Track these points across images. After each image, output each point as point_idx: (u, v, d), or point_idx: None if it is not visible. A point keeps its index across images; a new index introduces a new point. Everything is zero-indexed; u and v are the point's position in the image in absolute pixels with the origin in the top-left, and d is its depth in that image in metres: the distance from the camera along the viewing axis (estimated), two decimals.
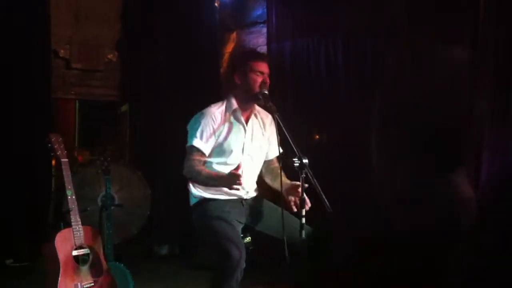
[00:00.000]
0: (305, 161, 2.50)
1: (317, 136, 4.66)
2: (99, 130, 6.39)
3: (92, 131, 6.47)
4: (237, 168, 2.68)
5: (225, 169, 2.88)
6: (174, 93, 5.36)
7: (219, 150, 2.92)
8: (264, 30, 5.13)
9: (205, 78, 5.39)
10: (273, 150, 3.10)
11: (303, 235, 2.50)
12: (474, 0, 3.67)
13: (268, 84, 2.91)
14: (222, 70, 5.61)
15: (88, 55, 5.46)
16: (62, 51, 5.36)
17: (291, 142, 2.61)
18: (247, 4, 5.39)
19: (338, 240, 3.71)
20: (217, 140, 2.90)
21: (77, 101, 6.27)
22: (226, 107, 2.95)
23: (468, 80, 3.69)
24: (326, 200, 2.44)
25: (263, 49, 5.18)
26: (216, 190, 2.91)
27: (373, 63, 4.20)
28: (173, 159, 5.13)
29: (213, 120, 2.89)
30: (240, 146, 2.96)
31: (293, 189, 2.80)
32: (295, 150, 2.56)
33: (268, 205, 3.04)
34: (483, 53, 3.61)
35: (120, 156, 5.89)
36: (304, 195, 2.59)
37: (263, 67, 2.92)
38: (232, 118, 2.95)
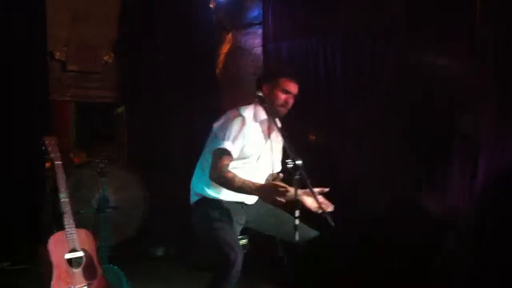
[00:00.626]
0: (299, 162, 2.48)
1: (315, 137, 4.63)
2: (96, 132, 6.38)
3: (88, 133, 6.45)
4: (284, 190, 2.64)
5: (240, 174, 2.87)
6: (172, 94, 5.36)
7: (239, 155, 2.89)
8: (260, 31, 5.13)
9: (203, 79, 5.39)
10: (279, 165, 3.10)
11: (297, 237, 2.49)
12: (472, 0, 3.65)
13: (290, 104, 2.95)
14: (218, 70, 5.60)
15: (84, 56, 5.45)
16: (58, 53, 5.35)
17: (286, 143, 2.60)
18: (243, 5, 5.38)
19: (337, 240, 3.70)
20: (243, 145, 2.88)
21: (73, 102, 6.26)
22: (255, 114, 2.95)
23: (467, 80, 3.67)
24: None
25: (259, 50, 5.18)
26: (220, 190, 2.90)
27: (372, 64, 4.17)
28: (170, 160, 5.18)
29: (244, 125, 2.87)
30: (257, 154, 2.97)
31: (306, 195, 2.86)
32: (289, 151, 2.55)
33: (267, 207, 3.04)
34: (482, 53, 3.59)
35: (117, 158, 5.88)
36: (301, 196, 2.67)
37: (292, 87, 2.94)
38: (259, 127, 2.95)
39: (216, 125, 2.93)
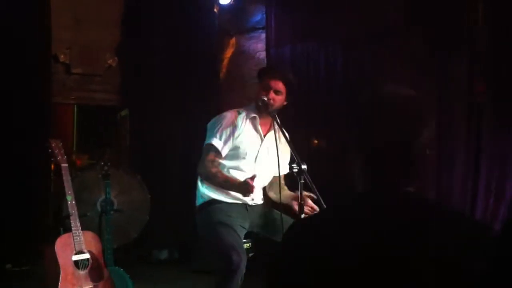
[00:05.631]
0: (304, 167, 2.53)
1: (316, 141, 4.66)
2: (98, 135, 6.37)
3: (91, 136, 6.44)
4: (252, 178, 2.76)
5: (239, 175, 2.94)
6: (174, 98, 5.37)
7: (234, 153, 2.98)
8: (263, 35, 5.17)
9: (205, 82, 5.41)
10: (284, 168, 3.11)
11: None
12: (471, 1, 3.70)
13: (274, 100, 2.94)
14: (221, 75, 5.63)
15: (88, 59, 5.46)
16: (62, 56, 5.35)
17: (291, 149, 2.63)
18: (246, 10, 5.42)
19: None
20: (233, 143, 2.96)
21: (76, 105, 6.26)
22: (246, 113, 3.03)
23: (466, 82, 3.72)
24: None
25: (262, 54, 5.20)
26: (223, 192, 2.96)
27: (372, 68, 4.21)
28: (173, 164, 5.20)
29: (233, 123, 2.97)
30: (254, 154, 3.01)
31: (296, 198, 2.85)
32: (294, 156, 2.59)
33: (271, 212, 3.09)
34: (481, 54, 3.65)
35: (119, 161, 5.87)
36: (307, 200, 2.71)
37: (274, 83, 2.96)
38: (250, 125, 3.01)
39: (208, 123, 3.05)
